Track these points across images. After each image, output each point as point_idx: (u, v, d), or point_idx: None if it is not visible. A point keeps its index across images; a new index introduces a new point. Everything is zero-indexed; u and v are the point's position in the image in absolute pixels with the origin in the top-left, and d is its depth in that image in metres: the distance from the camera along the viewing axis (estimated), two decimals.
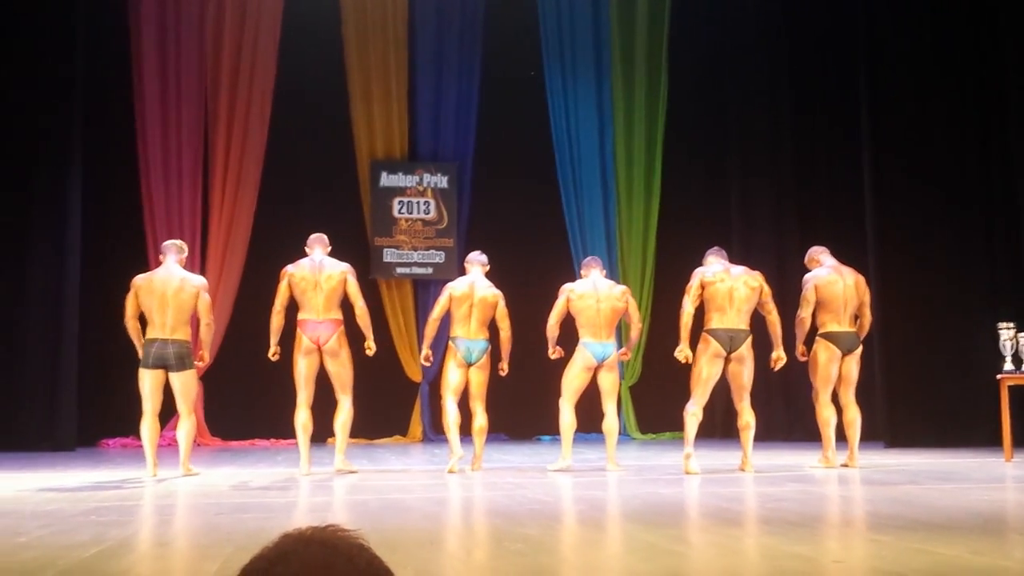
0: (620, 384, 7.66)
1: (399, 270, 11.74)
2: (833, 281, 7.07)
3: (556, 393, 7.20)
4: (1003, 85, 9.41)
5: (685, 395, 6.83)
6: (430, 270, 11.72)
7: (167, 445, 9.43)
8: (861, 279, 7.22)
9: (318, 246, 6.99)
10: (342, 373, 6.79)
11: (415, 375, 11.41)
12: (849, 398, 7.07)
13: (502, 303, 7.12)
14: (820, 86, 11.16)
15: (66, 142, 9.92)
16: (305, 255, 7.00)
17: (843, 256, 7.61)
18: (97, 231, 10.37)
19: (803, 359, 7.14)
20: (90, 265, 10.05)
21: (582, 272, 7.34)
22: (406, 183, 11.83)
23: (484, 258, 7.33)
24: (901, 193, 9.49)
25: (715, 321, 6.71)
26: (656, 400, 11.23)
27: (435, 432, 10.92)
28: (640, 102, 12.05)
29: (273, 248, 9.95)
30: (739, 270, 6.89)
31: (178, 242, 7.06)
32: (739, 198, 11.39)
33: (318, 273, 6.81)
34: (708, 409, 6.94)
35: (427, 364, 7.65)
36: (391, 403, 11.35)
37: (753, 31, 11.45)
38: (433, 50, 11.89)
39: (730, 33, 11.72)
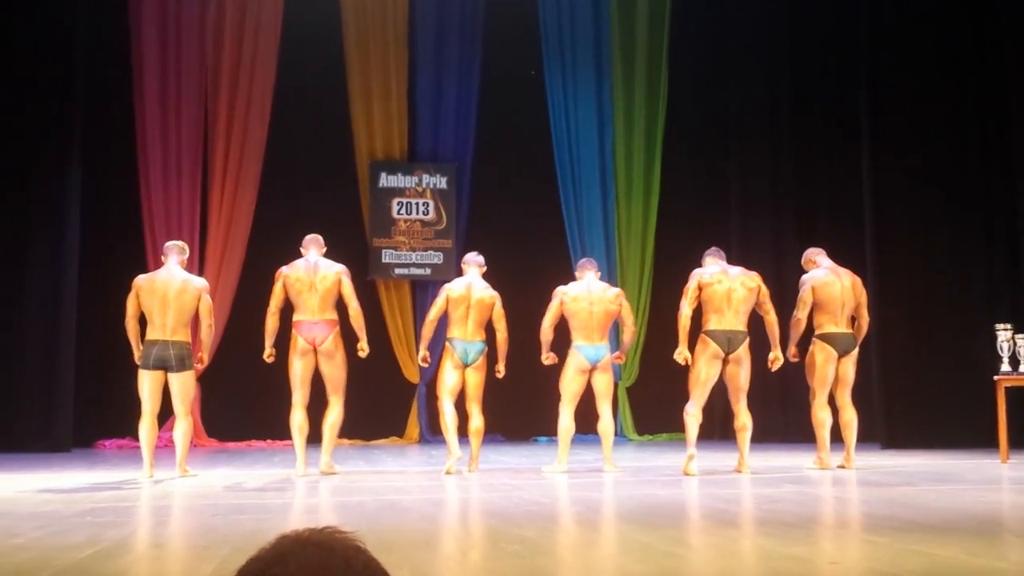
0: (615, 385, 7.64)
1: (397, 271, 11.74)
2: (830, 282, 7.07)
3: (553, 394, 7.20)
4: (1003, 86, 9.41)
5: (682, 396, 6.84)
6: (428, 271, 11.72)
7: (163, 446, 9.41)
8: (858, 280, 7.22)
9: (313, 247, 6.99)
10: (336, 375, 6.79)
11: (412, 376, 11.40)
12: (845, 399, 7.07)
13: (499, 304, 7.12)
14: (820, 87, 11.17)
15: (65, 141, 9.92)
16: (301, 256, 7.01)
17: (841, 257, 7.61)
18: (96, 231, 10.36)
19: (794, 360, 7.14)
20: (88, 265, 10.05)
21: (577, 274, 7.33)
22: (405, 184, 11.83)
23: (481, 259, 7.33)
24: (900, 194, 9.50)
25: (713, 322, 6.71)
26: (653, 401, 11.24)
27: (432, 433, 10.91)
28: (640, 102, 12.05)
29: (272, 248, 9.93)
30: (737, 271, 6.89)
31: (180, 243, 7.06)
32: (738, 198, 11.40)
33: (313, 274, 6.81)
34: (706, 410, 6.94)
35: (424, 365, 7.64)
36: (388, 404, 11.34)
37: (753, 31, 11.45)
38: (433, 50, 11.89)
39: (730, 33, 11.73)
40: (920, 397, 9.14)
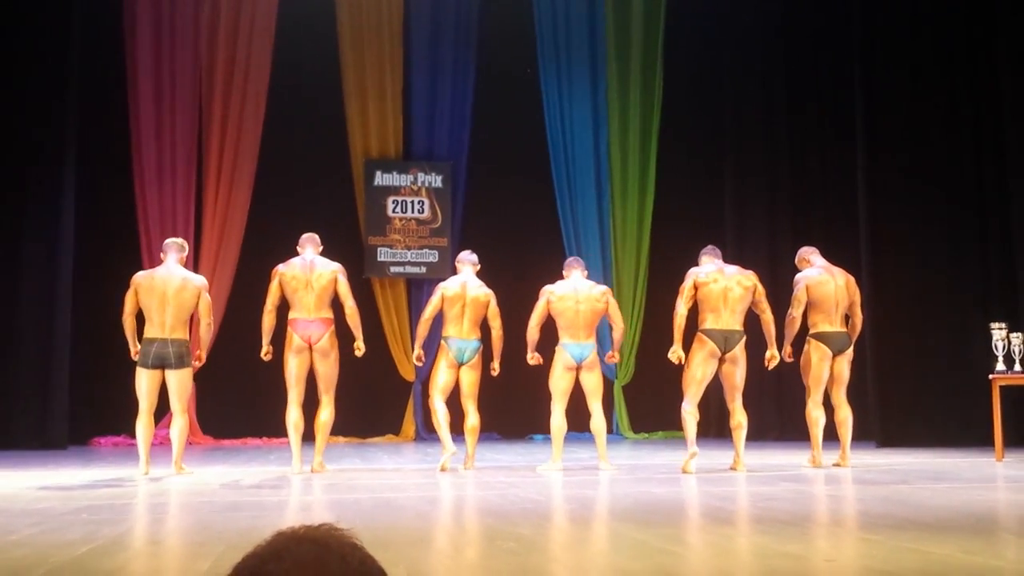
0: (611, 384, 7.66)
1: (393, 269, 11.73)
2: (824, 281, 7.08)
3: (549, 392, 7.20)
4: (997, 86, 9.43)
5: (678, 394, 6.84)
6: (424, 269, 11.71)
7: (159, 444, 9.41)
8: (851, 279, 7.23)
9: (309, 245, 7.00)
10: (329, 373, 6.79)
11: (408, 374, 11.40)
12: (840, 398, 7.08)
13: (494, 302, 7.14)
14: (815, 86, 11.19)
15: (60, 141, 9.90)
16: (297, 255, 7.00)
17: (836, 256, 7.62)
18: (90, 230, 10.35)
19: (789, 360, 7.15)
20: (83, 264, 10.03)
21: (564, 273, 7.32)
22: (400, 182, 11.82)
23: (475, 257, 7.35)
24: (895, 193, 9.52)
25: (710, 321, 6.71)
26: (649, 400, 11.25)
27: (428, 431, 10.92)
28: (635, 101, 12.05)
29: (267, 247, 9.93)
30: (733, 270, 6.89)
31: (179, 240, 7.06)
32: (733, 197, 11.41)
33: (309, 272, 6.81)
34: (702, 408, 6.95)
35: (419, 364, 7.64)
36: (384, 402, 11.35)
37: (748, 31, 11.47)
38: (428, 49, 11.89)
39: (725, 32, 11.74)
40: (915, 395, 9.16)
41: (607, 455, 7.10)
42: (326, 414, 6.80)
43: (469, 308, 7.05)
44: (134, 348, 6.62)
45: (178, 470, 6.63)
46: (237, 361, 10.38)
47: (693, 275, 6.84)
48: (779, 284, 9.03)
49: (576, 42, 12.08)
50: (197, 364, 6.97)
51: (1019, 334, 7.63)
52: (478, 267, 7.31)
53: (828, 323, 7.03)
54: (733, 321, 6.72)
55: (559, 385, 7.05)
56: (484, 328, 7.17)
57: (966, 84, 9.66)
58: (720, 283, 6.75)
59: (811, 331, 7.09)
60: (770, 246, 10.78)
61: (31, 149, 9.83)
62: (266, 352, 6.89)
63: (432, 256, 11.75)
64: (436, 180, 11.88)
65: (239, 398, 10.79)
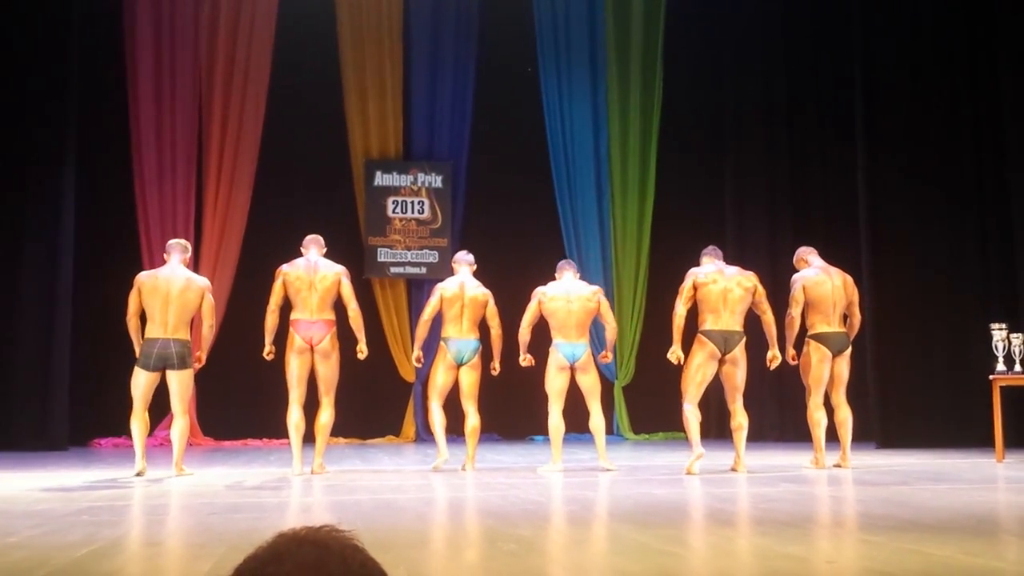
0: (604, 383, 7.65)
1: (393, 270, 11.73)
2: (821, 281, 7.07)
3: (546, 394, 7.20)
4: (998, 85, 9.43)
5: (679, 395, 6.83)
6: (424, 270, 11.71)
7: (159, 445, 9.40)
8: (849, 279, 7.22)
9: (313, 247, 7.01)
10: (329, 375, 6.79)
11: (408, 375, 11.39)
12: (840, 398, 7.07)
13: (492, 302, 7.16)
14: (815, 86, 11.19)
15: (60, 141, 9.90)
16: (300, 255, 7.01)
17: (837, 256, 7.62)
18: (90, 230, 10.34)
19: (793, 363, 7.13)
20: (83, 265, 10.03)
21: (556, 275, 7.33)
22: (400, 182, 11.82)
23: (471, 257, 7.38)
24: (895, 193, 9.52)
25: (710, 322, 6.71)
26: (650, 401, 11.24)
27: (428, 432, 10.89)
28: (635, 101, 12.06)
29: (267, 248, 9.94)
30: (733, 271, 6.89)
31: (183, 241, 7.07)
32: (733, 197, 11.41)
33: (313, 273, 6.81)
34: (703, 409, 6.94)
35: (418, 366, 7.65)
36: (384, 403, 11.35)
37: (748, 30, 11.47)
38: (428, 49, 11.89)
39: (725, 32, 11.74)
40: (916, 396, 9.15)
41: (607, 454, 7.10)
42: (326, 415, 6.80)
43: (468, 308, 7.06)
44: (139, 348, 6.62)
45: (179, 471, 6.63)
46: (237, 362, 10.39)
47: (693, 275, 6.83)
48: (779, 284, 9.01)
49: (576, 42, 12.09)
50: (197, 365, 6.97)
51: (1019, 334, 7.63)
52: (475, 267, 7.33)
53: (826, 324, 7.02)
54: (733, 322, 6.71)
55: (554, 385, 7.06)
56: (484, 328, 7.18)
57: (966, 84, 9.66)
58: (720, 284, 6.74)
59: (809, 332, 7.09)
60: (770, 246, 10.79)
61: (31, 149, 9.82)
62: (268, 352, 6.89)
63: (432, 256, 11.75)
64: (436, 180, 11.87)
65: (239, 399, 10.79)
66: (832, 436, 7.04)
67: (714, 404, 9.64)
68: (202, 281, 6.84)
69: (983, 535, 3.82)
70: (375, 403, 11.14)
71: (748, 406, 6.91)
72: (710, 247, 7.05)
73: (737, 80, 11.55)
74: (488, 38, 11.97)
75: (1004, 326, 7.67)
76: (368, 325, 7.15)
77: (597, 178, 12.04)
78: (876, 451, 8.73)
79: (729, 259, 7.28)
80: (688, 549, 3.62)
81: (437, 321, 7.22)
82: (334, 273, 6.87)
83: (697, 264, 6.95)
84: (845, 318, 7.17)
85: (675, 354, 6.80)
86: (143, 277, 6.69)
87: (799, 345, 7.16)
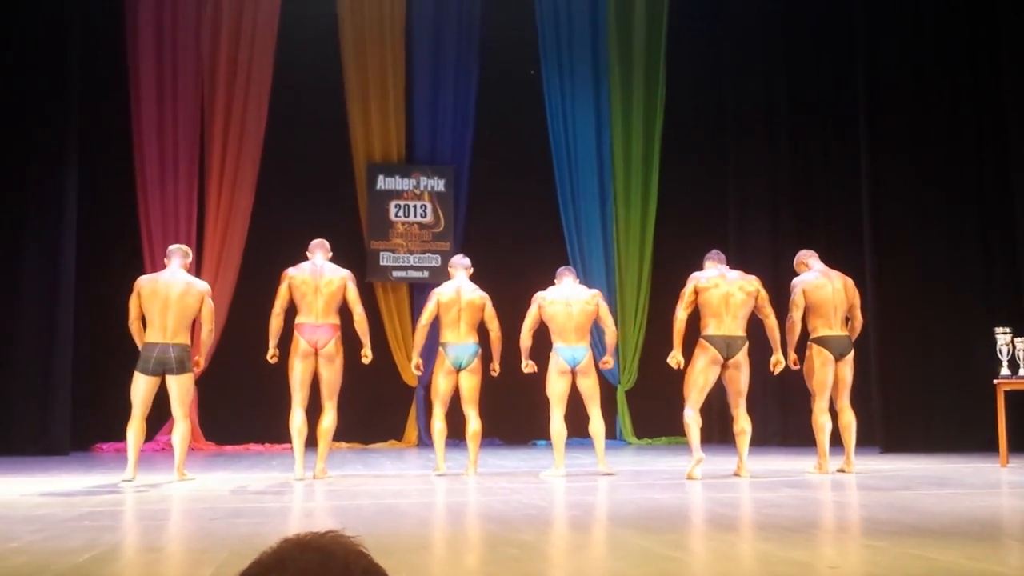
0: (607, 388, 7.65)
1: (395, 274, 11.73)
2: (821, 285, 7.05)
3: (548, 398, 7.20)
4: (1000, 85, 9.42)
5: (681, 400, 6.82)
6: (426, 274, 11.70)
7: (161, 449, 9.40)
8: (850, 281, 7.19)
9: (319, 251, 7.02)
10: (333, 379, 6.78)
11: (411, 380, 11.38)
12: (844, 402, 7.04)
13: (489, 305, 7.16)
14: (817, 87, 11.18)
15: (61, 143, 9.91)
16: (303, 259, 7.01)
17: (840, 259, 7.61)
18: (92, 233, 10.34)
19: (795, 368, 7.11)
20: (85, 267, 10.03)
21: (555, 281, 7.34)
22: (403, 186, 11.82)
23: (467, 261, 7.40)
24: (898, 195, 9.51)
25: (712, 327, 6.69)
26: (652, 405, 11.23)
27: (430, 437, 10.89)
28: (638, 105, 12.06)
29: (269, 251, 9.95)
30: (735, 275, 6.88)
31: (184, 247, 7.07)
32: (736, 199, 11.40)
33: (318, 277, 6.82)
34: (705, 414, 6.93)
35: (418, 373, 7.65)
36: (386, 408, 11.33)
37: (750, 32, 11.47)
38: (430, 53, 11.89)
39: (728, 33, 11.74)
40: (919, 401, 9.14)
41: (606, 459, 7.09)
42: (329, 420, 6.80)
43: (465, 312, 7.07)
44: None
45: (180, 476, 6.62)
46: (239, 367, 10.40)
47: (694, 280, 6.82)
48: (782, 287, 8.99)
49: (578, 45, 12.09)
50: (196, 370, 6.97)
51: (1023, 339, 7.61)
52: (471, 271, 7.35)
53: (828, 327, 7.00)
54: (735, 327, 6.70)
55: (555, 389, 7.05)
56: (483, 332, 7.18)
57: (968, 83, 9.65)
58: (721, 288, 6.73)
59: (811, 336, 7.07)
60: (773, 249, 10.77)
61: (32, 149, 9.83)
62: (272, 355, 6.89)
63: (435, 260, 11.74)
64: (438, 184, 11.87)
65: (241, 404, 10.79)
66: (836, 440, 7.02)
67: (716, 408, 9.63)
68: (202, 285, 6.83)
69: (987, 540, 3.80)
70: (377, 407, 11.14)
71: (751, 411, 6.89)
72: (713, 251, 7.04)
73: (739, 81, 11.54)
74: (490, 41, 11.97)
75: (1008, 330, 7.65)
76: (370, 329, 7.15)
77: (600, 181, 12.03)
78: (880, 455, 8.72)
79: (732, 261, 7.27)
80: (690, 554, 3.62)
81: (436, 327, 7.22)
82: (340, 277, 6.88)
83: (700, 268, 6.94)
84: (847, 321, 7.15)
85: (675, 359, 6.79)
86: (143, 281, 6.69)
87: (801, 349, 7.14)
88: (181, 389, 6.60)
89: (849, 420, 7.01)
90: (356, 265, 9.84)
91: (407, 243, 11.78)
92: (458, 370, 7.05)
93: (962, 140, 9.58)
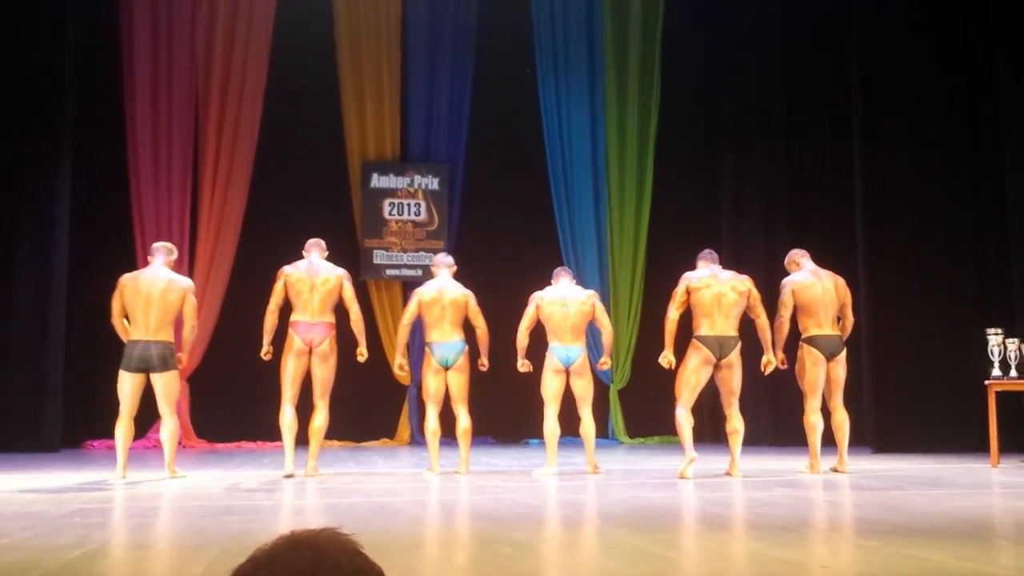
0: (600, 387, 7.66)
1: (389, 272, 11.72)
2: (810, 285, 7.05)
3: (542, 397, 7.20)
4: (995, 88, 9.44)
5: (674, 399, 6.82)
6: (420, 272, 11.67)
7: (153, 447, 9.38)
8: (841, 281, 7.19)
9: (315, 250, 7.03)
10: (326, 377, 6.79)
11: (403, 378, 11.35)
12: (837, 402, 7.05)
13: (472, 302, 7.17)
14: (812, 88, 11.20)
15: (55, 142, 9.87)
16: (298, 258, 7.01)
17: (833, 259, 7.62)
18: (85, 232, 10.31)
19: (783, 367, 7.12)
20: (78, 266, 10.00)
21: (552, 281, 7.35)
22: (397, 184, 11.81)
23: (450, 259, 7.45)
24: (892, 195, 9.52)
25: (704, 328, 6.70)
26: (645, 404, 11.24)
27: (422, 435, 10.88)
28: (633, 105, 12.06)
29: (262, 250, 9.94)
30: (728, 275, 6.88)
31: (168, 244, 7.04)
32: (730, 201, 11.41)
33: (314, 275, 6.82)
34: (697, 413, 6.95)
35: (401, 373, 7.64)
36: (379, 406, 11.32)
37: (746, 32, 11.48)
38: (425, 52, 11.88)
39: (723, 35, 11.74)
40: (911, 401, 9.16)
41: (595, 461, 7.09)
42: (320, 418, 6.79)
43: (448, 310, 7.07)
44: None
45: (171, 473, 6.60)
46: (231, 365, 10.38)
47: (686, 280, 6.83)
48: (776, 289, 9.01)
49: (574, 45, 12.09)
50: (179, 367, 6.94)
51: (1015, 340, 7.64)
52: (454, 269, 7.37)
53: (818, 327, 7.01)
54: (728, 327, 6.71)
55: (549, 388, 7.07)
56: (469, 330, 7.19)
57: (964, 85, 9.67)
58: (713, 288, 6.74)
59: (802, 336, 7.07)
60: (767, 249, 10.76)
61: (26, 150, 9.80)
62: (266, 352, 6.89)
63: (428, 259, 11.64)
64: (433, 183, 11.87)
65: (233, 402, 10.76)
66: (829, 440, 7.03)
67: (708, 407, 9.64)
68: (184, 282, 6.80)
69: (978, 540, 3.81)
70: (369, 406, 11.12)
71: (743, 411, 6.90)
72: (706, 251, 7.05)
73: (735, 82, 11.55)
74: (486, 41, 11.96)
75: (1000, 331, 7.67)
76: (364, 328, 7.15)
77: (594, 181, 12.04)
78: (871, 455, 8.73)
79: (726, 262, 7.28)
80: (682, 553, 3.62)
81: (422, 327, 7.23)
82: (336, 276, 6.88)
83: (693, 267, 6.95)
84: (839, 320, 7.16)
85: (667, 359, 6.80)
86: (125, 279, 6.67)
87: (793, 349, 7.15)
88: (166, 387, 6.58)
89: (842, 420, 7.02)
90: (350, 263, 9.82)
91: (401, 241, 11.77)
92: (445, 368, 7.06)
93: (957, 141, 9.60)
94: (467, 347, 7.12)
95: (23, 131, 9.79)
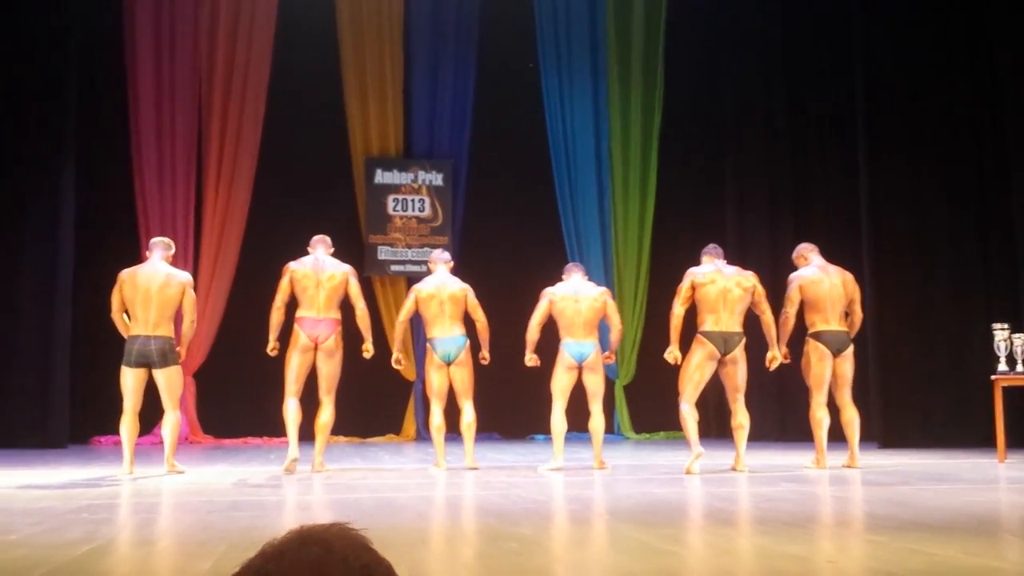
0: (611, 384, 7.66)
1: (393, 268, 11.72)
2: (818, 280, 7.04)
3: (550, 392, 7.20)
4: (998, 85, 9.41)
5: (679, 395, 6.82)
6: (424, 268, 11.63)
7: (159, 443, 9.40)
8: (849, 276, 7.17)
9: (320, 246, 7.03)
10: (332, 373, 6.79)
11: (409, 374, 11.37)
12: (845, 398, 7.03)
13: (471, 295, 7.19)
14: (816, 84, 11.15)
15: (59, 139, 9.89)
16: (302, 254, 7.02)
17: (838, 255, 7.59)
18: (90, 229, 10.34)
19: (786, 361, 7.10)
20: (83, 264, 10.02)
21: (563, 277, 7.36)
22: (401, 180, 11.81)
23: (447, 255, 7.48)
24: (897, 192, 9.50)
25: (709, 323, 6.69)
26: (651, 400, 11.23)
27: (428, 431, 10.90)
28: (636, 101, 12.04)
29: (267, 246, 9.95)
30: (732, 270, 6.87)
31: (166, 239, 7.04)
32: (735, 197, 11.39)
33: (320, 271, 6.84)
34: (702, 408, 6.94)
35: (398, 367, 7.65)
36: (385, 402, 11.33)
37: (749, 30, 11.45)
38: (429, 47, 11.88)
39: (726, 32, 11.72)
40: (917, 396, 9.14)
41: (602, 457, 7.10)
42: (327, 414, 6.80)
43: (447, 305, 7.08)
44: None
45: (170, 467, 6.59)
46: (237, 360, 10.40)
47: (691, 275, 6.82)
48: (781, 283, 8.95)
49: (577, 41, 12.07)
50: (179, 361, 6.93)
51: (1021, 335, 7.61)
52: (451, 264, 7.39)
53: (825, 323, 6.99)
54: (732, 323, 6.70)
55: (559, 384, 7.08)
56: (469, 324, 7.19)
57: (967, 82, 9.63)
58: (718, 284, 6.73)
59: (809, 331, 7.06)
60: (772, 245, 10.75)
61: (30, 149, 9.81)
62: (272, 348, 6.90)
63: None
64: (437, 178, 11.86)
65: (239, 397, 10.78)
66: (838, 436, 7.01)
67: (714, 403, 9.63)
68: (183, 276, 6.80)
69: (984, 535, 3.81)
70: (375, 401, 11.13)
71: (749, 406, 6.89)
72: (710, 245, 7.03)
73: (738, 79, 11.53)
74: (489, 36, 11.95)
75: (1006, 326, 7.65)
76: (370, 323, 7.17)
77: (598, 176, 12.02)
78: (878, 451, 8.72)
79: (730, 258, 7.25)
80: (688, 548, 3.62)
81: (422, 324, 7.24)
82: (342, 272, 6.89)
83: (698, 263, 6.93)
84: (846, 316, 7.14)
85: (672, 354, 6.80)
86: (124, 274, 6.67)
87: (799, 345, 7.13)
88: (168, 383, 6.58)
89: (851, 416, 6.99)
90: (354, 259, 9.83)
91: (405, 237, 11.77)
92: (448, 364, 7.06)
93: (961, 138, 9.57)
94: (468, 341, 7.13)
95: (27, 131, 9.80)
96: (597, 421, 7.11)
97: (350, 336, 6.99)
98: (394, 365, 7.60)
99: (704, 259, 6.93)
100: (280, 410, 6.82)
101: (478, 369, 7.24)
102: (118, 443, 9.95)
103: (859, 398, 7.23)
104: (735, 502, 5.12)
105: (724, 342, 6.66)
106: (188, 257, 10.62)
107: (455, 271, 7.45)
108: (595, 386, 7.09)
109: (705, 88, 12.02)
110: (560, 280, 7.31)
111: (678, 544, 3.66)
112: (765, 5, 11.36)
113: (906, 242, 9.45)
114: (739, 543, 3.72)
